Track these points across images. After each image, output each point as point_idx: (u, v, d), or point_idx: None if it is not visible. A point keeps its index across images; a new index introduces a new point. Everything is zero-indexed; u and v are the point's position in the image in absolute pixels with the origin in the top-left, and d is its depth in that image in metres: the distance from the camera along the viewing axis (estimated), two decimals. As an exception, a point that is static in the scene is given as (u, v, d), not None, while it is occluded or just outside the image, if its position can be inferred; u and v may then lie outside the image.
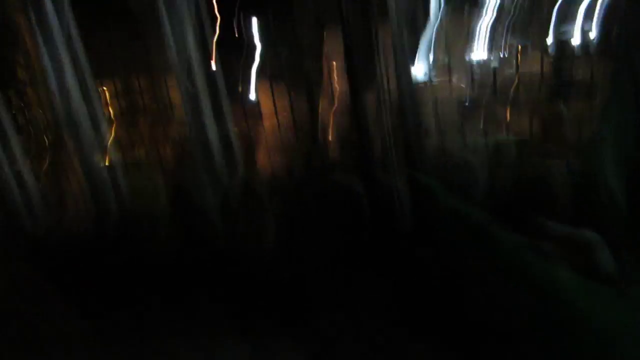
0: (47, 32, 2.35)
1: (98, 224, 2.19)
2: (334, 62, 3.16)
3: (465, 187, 1.59)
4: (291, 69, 2.98)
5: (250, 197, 1.86)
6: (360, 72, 1.88)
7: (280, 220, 1.60)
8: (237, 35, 3.11)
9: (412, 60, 1.76)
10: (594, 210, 1.34)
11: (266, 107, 3.13)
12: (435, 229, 1.72)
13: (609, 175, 1.20)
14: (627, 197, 1.16)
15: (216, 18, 2.61)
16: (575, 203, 1.45)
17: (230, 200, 1.90)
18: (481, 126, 3.22)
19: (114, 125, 2.87)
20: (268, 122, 3.20)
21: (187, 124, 2.15)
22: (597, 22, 1.65)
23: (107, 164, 2.54)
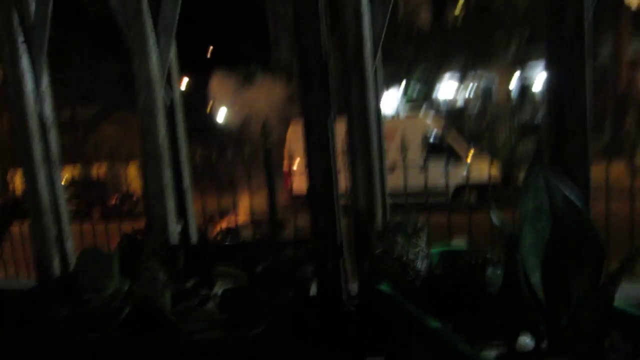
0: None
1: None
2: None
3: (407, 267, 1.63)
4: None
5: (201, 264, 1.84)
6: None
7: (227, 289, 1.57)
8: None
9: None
10: (520, 302, 1.41)
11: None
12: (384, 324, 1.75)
13: (529, 271, 1.27)
14: (544, 290, 1.24)
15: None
16: (502, 294, 1.51)
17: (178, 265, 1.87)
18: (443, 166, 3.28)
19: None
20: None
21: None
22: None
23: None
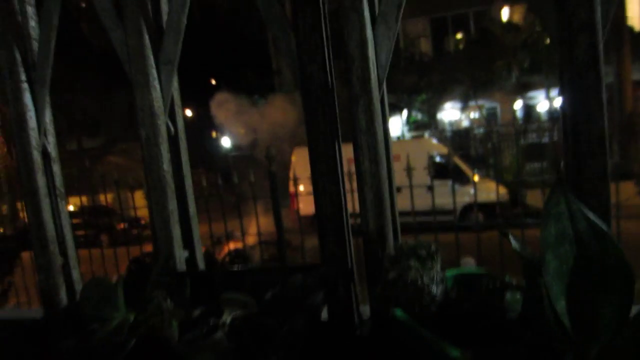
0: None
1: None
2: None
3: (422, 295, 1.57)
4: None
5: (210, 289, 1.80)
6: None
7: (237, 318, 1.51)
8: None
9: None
10: (543, 330, 1.34)
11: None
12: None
13: (554, 298, 1.21)
14: (570, 318, 1.17)
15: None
16: (523, 320, 1.45)
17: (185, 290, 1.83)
18: (450, 185, 3.23)
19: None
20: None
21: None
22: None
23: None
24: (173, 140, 2.26)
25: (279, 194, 3.02)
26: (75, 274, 2.38)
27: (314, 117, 1.94)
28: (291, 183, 9.26)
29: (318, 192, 1.94)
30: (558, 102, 1.81)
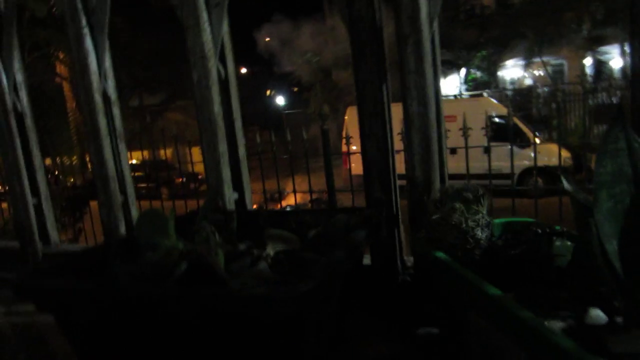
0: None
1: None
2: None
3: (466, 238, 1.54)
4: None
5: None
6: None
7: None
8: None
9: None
10: (591, 274, 1.28)
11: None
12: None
13: (605, 239, 1.14)
14: (622, 259, 1.11)
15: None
16: (572, 266, 1.39)
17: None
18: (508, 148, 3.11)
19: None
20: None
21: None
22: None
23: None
24: (223, 83, 2.30)
25: (330, 152, 3.02)
26: (134, 211, 2.53)
27: (361, 58, 1.90)
28: (343, 142, 9.25)
29: (364, 135, 1.92)
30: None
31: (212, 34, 2.19)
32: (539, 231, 1.58)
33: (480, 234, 1.60)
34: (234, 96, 2.34)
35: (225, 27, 2.25)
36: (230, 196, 2.23)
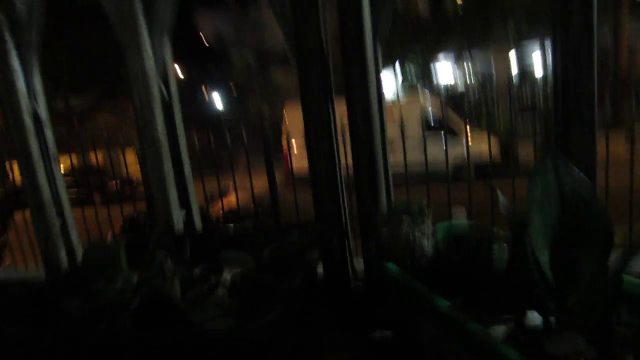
0: None
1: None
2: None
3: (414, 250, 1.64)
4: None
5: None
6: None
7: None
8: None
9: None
10: (526, 279, 1.42)
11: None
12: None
13: (538, 250, 1.27)
14: (552, 269, 1.24)
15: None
16: (509, 271, 1.53)
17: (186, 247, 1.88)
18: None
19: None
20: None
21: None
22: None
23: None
24: (167, 103, 2.24)
25: (271, 151, 3.03)
26: (74, 235, 2.42)
27: (307, 79, 1.93)
28: (284, 137, 9.22)
29: (312, 152, 1.96)
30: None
31: (154, 55, 2.13)
32: (479, 237, 1.70)
33: (426, 244, 1.70)
34: (177, 115, 2.29)
35: (168, 48, 2.19)
36: (178, 216, 2.19)
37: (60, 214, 2.42)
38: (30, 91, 2.27)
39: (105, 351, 1.24)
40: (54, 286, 1.64)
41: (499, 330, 1.34)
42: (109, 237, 3.42)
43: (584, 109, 1.61)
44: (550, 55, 1.75)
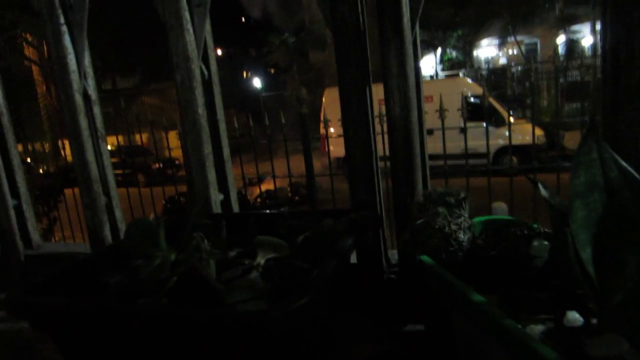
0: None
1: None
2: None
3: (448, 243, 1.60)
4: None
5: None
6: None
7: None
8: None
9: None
10: (567, 276, 1.37)
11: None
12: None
13: (580, 246, 1.22)
14: (595, 266, 1.18)
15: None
16: (549, 267, 1.47)
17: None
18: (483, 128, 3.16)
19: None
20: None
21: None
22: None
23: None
24: (207, 84, 2.28)
25: (310, 136, 3.03)
26: (118, 212, 2.52)
27: (345, 61, 1.91)
28: (322, 125, 9.24)
29: (348, 138, 1.95)
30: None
31: (194, 34, 2.16)
32: (518, 233, 1.65)
33: (462, 237, 1.67)
34: (217, 97, 2.33)
35: (207, 27, 2.23)
36: (216, 199, 2.24)
37: (107, 192, 2.52)
38: (81, 70, 2.36)
39: (142, 324, 1.29)
40: (97, 261, 1.71)
41: (537, 330, 1.30)
42: (151, 216, 3.55)
43: (634, 94, 1.51)
44: (601, 35, 1.65)
